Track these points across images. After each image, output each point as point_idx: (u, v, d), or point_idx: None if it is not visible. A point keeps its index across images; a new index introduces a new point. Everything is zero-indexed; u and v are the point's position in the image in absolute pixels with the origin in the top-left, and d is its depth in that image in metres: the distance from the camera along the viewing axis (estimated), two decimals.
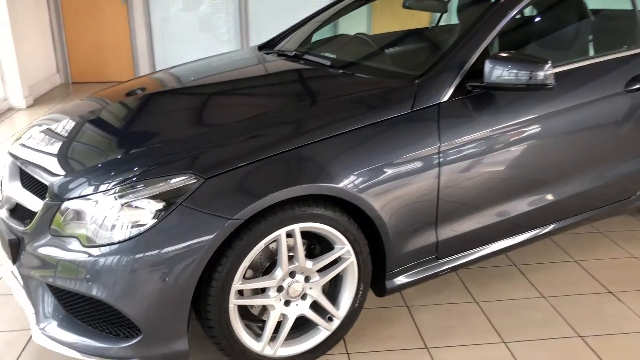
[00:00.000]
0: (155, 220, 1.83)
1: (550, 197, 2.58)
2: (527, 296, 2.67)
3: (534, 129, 2.43)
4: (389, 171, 2.13)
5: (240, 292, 2.05)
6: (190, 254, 1.83)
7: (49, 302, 2.03)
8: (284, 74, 2.82)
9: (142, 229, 1.83)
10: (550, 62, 2.24)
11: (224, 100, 2.61)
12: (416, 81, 2.29)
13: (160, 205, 1.84)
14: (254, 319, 2.17)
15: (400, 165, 2.15)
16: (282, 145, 1.99)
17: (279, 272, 2.04)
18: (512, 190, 2.46)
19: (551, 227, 2.68)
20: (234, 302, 1.97)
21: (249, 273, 2.08)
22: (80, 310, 1.97)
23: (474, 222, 2.42)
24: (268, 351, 2.10)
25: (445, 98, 2.28)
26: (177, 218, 1.84)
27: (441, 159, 2.22)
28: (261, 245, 1.95)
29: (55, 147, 2.24)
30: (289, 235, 2.02)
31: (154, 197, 1.85)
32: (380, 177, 2.11)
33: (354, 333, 2.40)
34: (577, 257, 3.02)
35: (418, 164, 2.18)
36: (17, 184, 2.25)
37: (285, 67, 2.86)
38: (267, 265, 2.10)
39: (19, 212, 2.18)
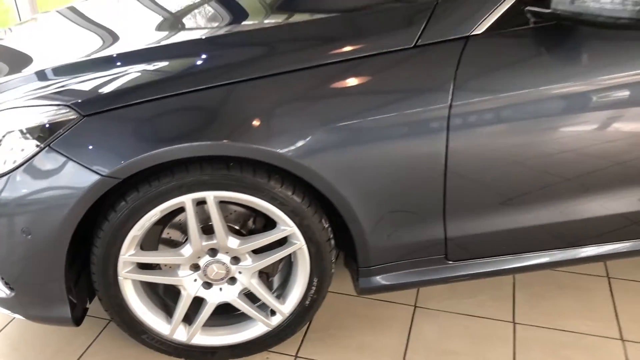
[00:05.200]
0: (16, 163, 1.45)
1: None
2: (600, 332, 1.82)
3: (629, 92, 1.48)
4: (363, 133, 1.44)
5: (150, 265, 1.64)
6: (55, 211, 1.43)
7: None
8: None
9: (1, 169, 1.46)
10: None
11: (152, 18, 1.93)
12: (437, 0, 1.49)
13: (27, 143, 1.44)
14: None
15: (380, 126, 1.45)
16: (192, 82, 1.42)
17: (187, 249, 1.56)
18: (573, 184, 1.59)
19: None
20: (124, 275, 1.56)
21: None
22: None
23: (507, 221, 1.63)
24: (180, 336, 1.68)
25: (480, 29, 1.45)
26: (42, 163, 1.42)
27: (452, 125, 1.45)
28: (156, 212, 1.47)
29: None
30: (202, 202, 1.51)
31: (22, 132, 1.46)
32: (347, 140, 1.44)
33: (321, 328, 1.86)
34: None
35: (411, 128, 1.46)
36: None
37: None
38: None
39: None
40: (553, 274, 2.06)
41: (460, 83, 1.43)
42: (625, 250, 1.78)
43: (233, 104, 1.42)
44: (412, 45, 1.45)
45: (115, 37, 1.77)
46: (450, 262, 1.70)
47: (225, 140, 1.38)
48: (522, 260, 1.72)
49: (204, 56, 1.52)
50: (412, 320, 1.89)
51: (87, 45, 1.73)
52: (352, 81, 1.45)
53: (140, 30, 1.81)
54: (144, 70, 1.50)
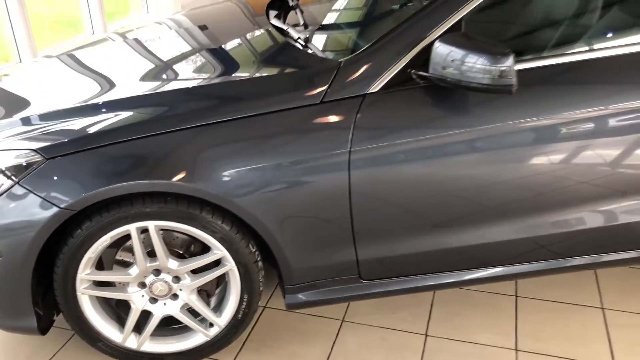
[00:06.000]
0: None
1: (520, 229, 1.93)
2: (499, 344, 2.09)
3: (502, 139, 1.78)
4: (280, 174, 1.74)
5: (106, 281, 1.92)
6: (23, 236, 1.73)
7: None
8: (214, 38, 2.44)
9: None
10: (511, 53, 1.58)
11: (124, 70, 2.23)
12: (340, 63, 1.80)
13: (3, 179, 1.75)
14: None
15: (294, 169, 1.75)
16: (137, 130, 1.73)
17: (134, 269, 1.86)
18: (458, 215, 1.89)
19: (537, 265, 2.03)
20: (82, 291, 1.85)
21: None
22: None
23: (411, 245, 1.92)
24: (131, 343, 1.96)
25: (375, 88, 1.76)
26: (13, 196, 1.72)
27: (352, 166, 1.75)
28: (106, 238, 1.77)
29: None
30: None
31: (1, 171, 1.76)
32: (267, 180, 1.74)
33: (258, 339, 2.14)
34: (609, 303, 2.27)
35: (319, 170, 1.75)
36: None
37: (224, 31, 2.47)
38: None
39: None
40: (469, 293, 2.34)
41: (357, 132, 1.73)
42: (534, 269, 2.06)
43: (172, 149, 1.72)
44: (319, 102, 1.75)
45: (92, 88, 2.08)
46: (364, 280, 1.98)
47: (170, 180, 1.69)
48: (433, 279, 2.00)
49: (149, 109, 1.83)
50: (337, 333, 2.16)
51: (71, 94, 2.03)
52: (270, 130, 1.75)
53: (115, 82, 2.09)
54: (100, 120, 1.80)
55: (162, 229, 1.82)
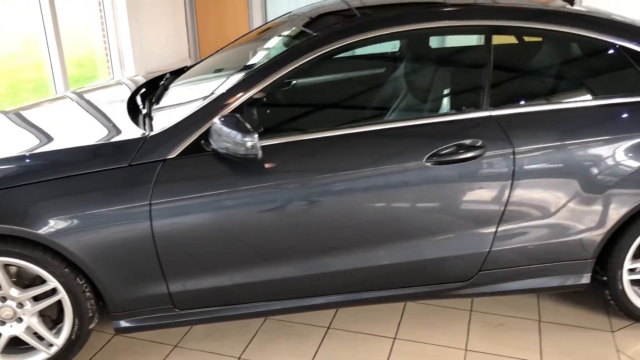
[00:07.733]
0: None
1: (306, 269, 2.41)
2: None
3: (265, 197, 2.29)
4: (96, 221, 2.23)
5: None
6: None
7: None
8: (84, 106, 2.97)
9: None
10: (255, 132, 2.11)
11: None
12: (147, 135, 2.32)
13: None
14: None
15: (107, 217, 2.23)
16: None
17: None
18: (248, 257, 2.36)
19: (324, 299, 2.48)
20: None
21: None
22: None
23: (215, 281, 2.38)
24: None
25: (173, 154, 2.27)
26: None
27: (154, 216, 2.23)
28: None
29: None
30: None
31: None
32: (86, 225, 2.22)
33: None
34: (402, 334, 2.69)
35: (127, 218, 2.24)
36: None
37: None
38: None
39: None
40: (290, 324, 2.77)
41: (157, 188, 2.23)
42: (330, 302, 2.51)
43: (10, 200, 2.21)
44: (127, 165, 2.26)
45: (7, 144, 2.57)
46: (178, 310, 2.42)
47: (3, 224, 2.18)
48: (244, 309, 2.45)
49: (11, 167, 2.32)
50: (165, 357, 2.59)
51: None
52: (88, 186, 2.24)
53: (23, 141, 2.58)
54: None
55: (6, 264, 2.29)
